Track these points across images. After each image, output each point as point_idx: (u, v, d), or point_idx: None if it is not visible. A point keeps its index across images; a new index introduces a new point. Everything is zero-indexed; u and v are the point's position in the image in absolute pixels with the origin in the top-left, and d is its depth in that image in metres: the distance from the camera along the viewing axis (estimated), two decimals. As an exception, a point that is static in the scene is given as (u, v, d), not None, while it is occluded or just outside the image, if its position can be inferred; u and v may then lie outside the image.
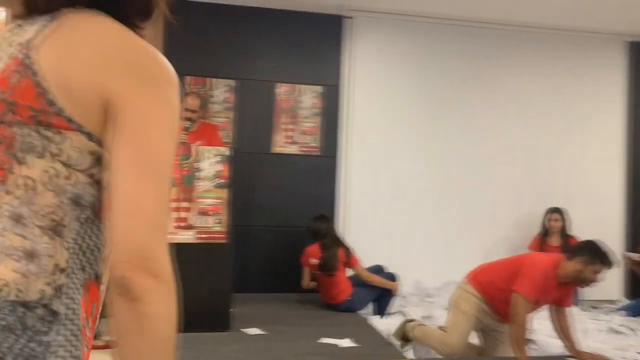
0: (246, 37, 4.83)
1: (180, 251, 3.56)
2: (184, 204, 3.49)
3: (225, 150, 3.58)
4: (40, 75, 0.71)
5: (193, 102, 4.17)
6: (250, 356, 3.12)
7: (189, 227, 3.49)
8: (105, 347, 3.06)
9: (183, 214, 3.49)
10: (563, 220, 4.90)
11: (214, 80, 4.79)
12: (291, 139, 4.91)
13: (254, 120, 4.86)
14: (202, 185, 3.53)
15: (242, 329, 3.63)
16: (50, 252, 0.72)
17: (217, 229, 3.54)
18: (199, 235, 3.51)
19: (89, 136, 0.73)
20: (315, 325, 3.82)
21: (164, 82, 0.77)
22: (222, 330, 3.56)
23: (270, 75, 4.88)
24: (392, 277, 4.32)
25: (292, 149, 4.91)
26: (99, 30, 0.75)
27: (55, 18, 0.75)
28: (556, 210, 4.92)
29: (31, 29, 0.75)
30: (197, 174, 3.52)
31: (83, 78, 0.72)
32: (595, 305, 5.07)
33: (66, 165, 0.73)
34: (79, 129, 0.72)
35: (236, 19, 4.81)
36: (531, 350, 3.33)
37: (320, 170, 4.94)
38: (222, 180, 3.56)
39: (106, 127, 0.73)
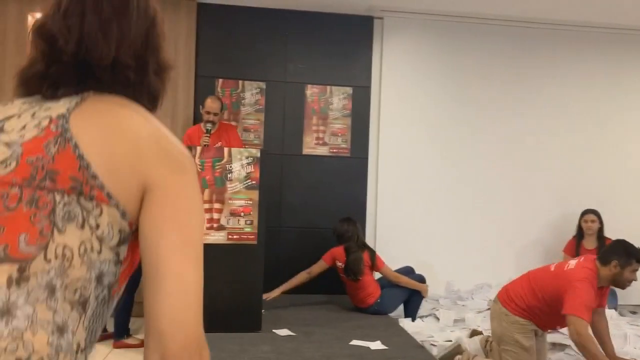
0: (276, 39, 4.86)
1: (211, 252, 3.62)
2: (216, 205, 3.53)
3: (256, 152, 3.61)
4: (81, 150, 0.75)
5: (213, 104, 4.22)
6: (280, 357, 3.13)
7: (221, 228, 3.53)
8: (140, 345, 3.10)
9: (215, 215, 3.52)
10: (600, 222, 4.76)
11: (245, 82, 4.83)
12: (321, 140, 4.91)
13: (284, 122, 4.88)
14: (233, 187, 3.56)
15: (272, 330, 3.65)
16: (75, 329, 0.73)
17: (248, 230, 3.57)
18: (230, 236, 3.54)
19: (123, 214, 0.77)
20: (345, 327, 3.81)
21: (190, 170, 0.83)
22: (253, 331, 3.58)
23: (301, 77, 4.90)
24: (421, 279, 4.28)
25: (322, 151, 4.92)
26: (132, 119, 0.82)
27: (84, 99, 0.81)
28: (592, 212, 4.79)
29: (59, 105, 0.80)
30: (228, 175, 3.56)
31: (123, 161, 0.77)
32: (634, 310, 4.93)
33: (100, 239, 0.75)
34: (116, 205, 0.76)
35: (266, 22, 4.84)
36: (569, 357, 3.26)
37: (350, 171, 4.93)
38: (253, 182, 3.58)
39: (140, 209, 0.78)
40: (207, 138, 4.07)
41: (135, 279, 3.77)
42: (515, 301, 3.00)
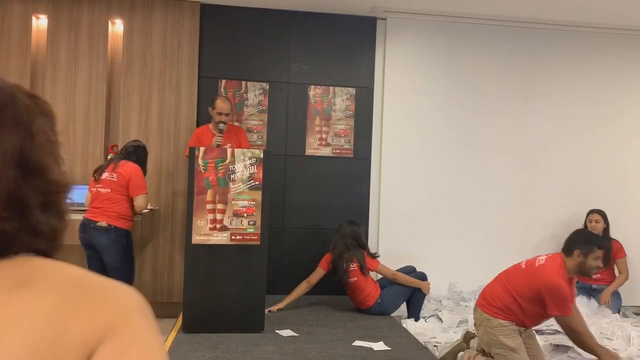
0: (279, 40, 4.86)
1: (214, 253, 3.63)
2: (219, 206, 3.53)
3: (259, 153, 3.61)
4: None
5: (225, 104, 4.23)
6: (283, 357, 3.13)
7: (224, 229, 3.53)
8: None
9: (218, 216, 3.53)
10: (605, 222, 4.74)
11: (248, 83, 4.84)
12: (324, 141, 4.92)
13: (287, 123, 4.88)
14: (236, 187, 3.57)
15: (275, 331, 3.65)
16: None
17: (251, 230, 3.57)
18: (234, 237, 3.55)
19: None
20: (348, 327, 3.81)
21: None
22: (256, 331, 3.59)
23: (304, 78, 4.90)
24: (422, 277, 4.28)
25: (325, 151, 4.92)
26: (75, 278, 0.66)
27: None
28: (597, 212, 4.78)
29: None
30: (231, 176, 3.56)
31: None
32: (638, 312, 4.92)
33: None
34: None
35: (269, 22, 4.84)
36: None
37: (353, 172, 4.93)
38: (256, 182, 3.59)
39: None
40: (220, 138, 4.07)
41: (129, 277, 3.77)
42: (492, 304, 3.03)
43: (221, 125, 4.14)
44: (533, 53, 5.18)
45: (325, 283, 4.86)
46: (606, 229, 4.74)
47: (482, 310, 3.06)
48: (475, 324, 3.18)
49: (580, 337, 2.91)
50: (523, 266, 3.08)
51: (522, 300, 2.95)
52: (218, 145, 3.99)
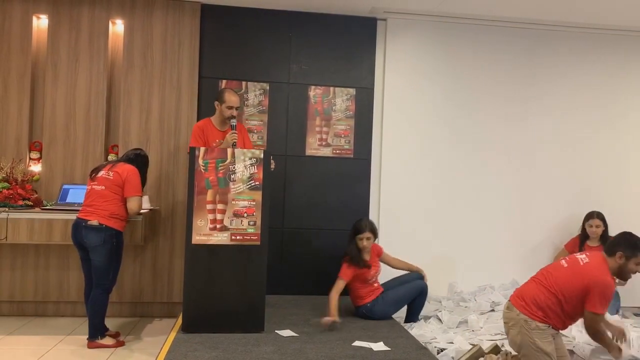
0: (280, 41, 4.87)
1: (215, 253, 3.62)
2: (219, 206, 3.54)
3: (259, 153, 3.62)
4: None
5: (235, 97, 4.08)
6: (283, 357, 3.13)
7: (224, 229, 3.53)
8: (115, 346, 3.09)
9: (218, 216, 3.53)
10: (604, 225, 4.74)
11: (248, 83, 4.84)
12: (324, 141, 4.92)
13: (288, 123, 4.88)
14: (236, 188, 3.57)
15: (275, 331, 3.65)
16: None
17: (251, 230, 3.57)
18: (234, 237, 3.55)
19: None
20: (348, 328, 3.81)
21: None
22: (256, 331, 3.59)
23: (304, 78, 4.90)
24: (419, 278, 4.26)
25: (326, 152, 4.92)
26: None
27: None
28: (597, 216, 4.75)
29: None
30: (232, 176, 3.56)
31: None
32: (638, 313, 4.92)
33: None
34: None
35: (270, 23, 4.85)
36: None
37: (353, 172, 4.93)
38: (256, 183, 3.59)
39: None
40: (235, 135, 3.92)
41: (112, 278, 3.76)
42: (532, 305, 2.97)
43: (233, 121, 3.98)
44: (532, 54, 5.18)
45: (325, 284, 4.86)
46: (605, 231, 4.73)
47: (520, 311, 2.99)
48: (506, 323, 3.11)
49: (601, 336, 2.96)
50: (565, 265, 3.02)
51: (565, 300, 2.91)
52: (234, 144, 3.87)
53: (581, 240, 4.80)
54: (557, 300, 2.93)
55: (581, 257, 3.02)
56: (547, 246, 5.13)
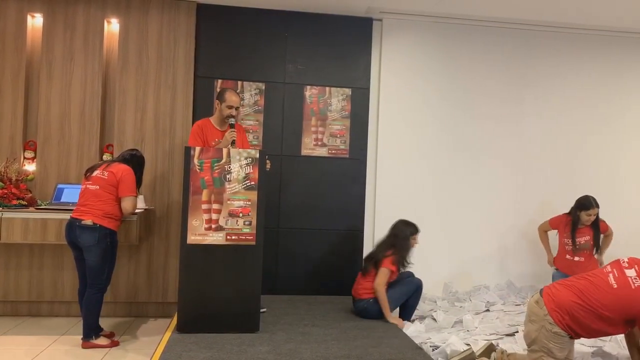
0: (276, 40, 4.86)
1: (210, 252, 3.62)
2: (215, 206, 3.53)
3: (255, 153, 3.61)
4: None
5: (235, 97, 4.07)
6: (279, 357, 3.13)
7: (219, 229, 3.53)
8: (109, 346, 3.09)
9: (214, 216, 3.52)
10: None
11: (244, 83, 4.83)
12: (320, 141, 4.92)
13: (283, 123, 4.88)
14: (232, 187, 3.56)
15: (270, 331, 3.65)
16: None
17: (247, 230, 3.57)
18: (229, 237, 3.54)
19: None
20: (343, 328, 3.82)
21: None
22: (251, 331, 3.59)
23: (300, 78, 4.90)
24: (418, 283, 4.23)
25: (321, 152, 4.92)
26: None
27: None
28: (596, 205, 4.63)
29: None
30: (227, 176, 3.56)
31: None
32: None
33: None
34: None
35: (266, 23, 4.84)
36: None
37: (349, 172, 4.93)
38: (252, 183, 3.58)
39: None
40: (234, 133, 3.92)
41: (106, 277, 3.74)
42: (561, 312, 2.82)
43: (232, 120, 3.99)
44: (528, 54, 5.20)
45: (322, 283, 4.87)
46: (596, 217, 4.69)
47: (549, 312, 2.84)
48: (529, 315, 2.97)
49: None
50: (614, 285, 2.77)
51: (601, 317, 2.74)
52: (233, 142, 3.86)
53: (573, 225, 4.72)
54: (594, 318, 2.76)
55: (629, 272, 2.79)
56: (543, 247, 5.14)
